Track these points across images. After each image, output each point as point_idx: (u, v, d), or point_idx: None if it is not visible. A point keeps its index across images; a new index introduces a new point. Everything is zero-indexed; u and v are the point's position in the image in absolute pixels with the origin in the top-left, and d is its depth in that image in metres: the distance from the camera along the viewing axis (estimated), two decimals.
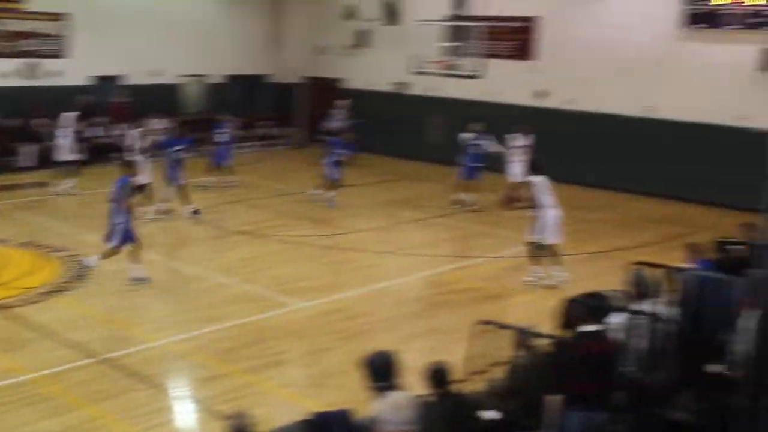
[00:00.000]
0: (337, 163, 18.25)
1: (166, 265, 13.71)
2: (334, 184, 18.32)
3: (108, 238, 12.40)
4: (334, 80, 27.54)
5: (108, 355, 9.73)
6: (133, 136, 18.23)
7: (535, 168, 13.67)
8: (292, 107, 28.31)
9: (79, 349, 9.89)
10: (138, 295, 12.14)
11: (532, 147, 18.48)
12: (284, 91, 28.51)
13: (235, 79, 27.51)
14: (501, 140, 18.73)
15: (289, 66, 28.42)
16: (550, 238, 12.97)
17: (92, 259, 12.59)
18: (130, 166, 13.40)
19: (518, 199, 13.55)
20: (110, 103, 24.11)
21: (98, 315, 11.24)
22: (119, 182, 12.46)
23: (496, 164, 18.81)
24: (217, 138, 20.13)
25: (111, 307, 11.57)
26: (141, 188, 15.72)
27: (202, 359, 9.88)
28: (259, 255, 14.46)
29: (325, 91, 27.84)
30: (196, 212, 16.80)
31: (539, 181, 13.08)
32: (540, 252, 13.12)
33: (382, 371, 5.51)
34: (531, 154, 18.13)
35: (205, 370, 9.63)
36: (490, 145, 18.54)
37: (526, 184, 13.52)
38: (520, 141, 18.64)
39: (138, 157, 16.26)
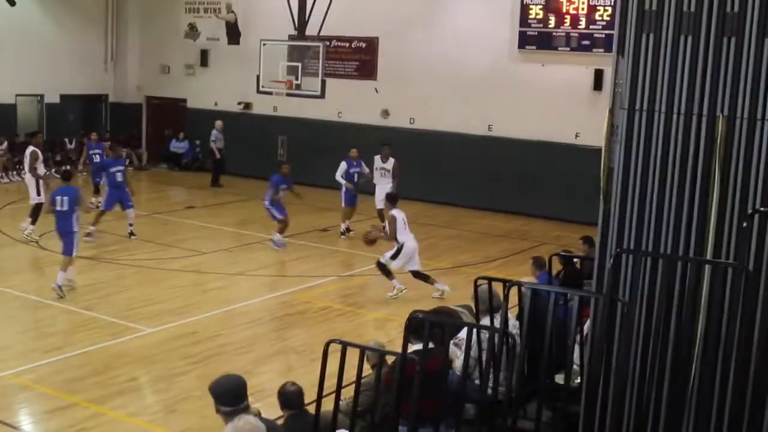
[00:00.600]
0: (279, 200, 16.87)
1: (5, 293, 13.13)
2: (283, 224, 16.88)
3: (67, 249, 13.15)
4: (177, 100, 27.16)
5: None
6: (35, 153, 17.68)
7: (392, 200, 14.14)
8: (133, 128, 27.70)
9: None
10: None
11: (395, 170, 18.23)
12: (125, 111, 27.87)
13: (73, 98, 26.69)
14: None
15: (129, 85, 27.83)
16: (411, 266, 13.56)
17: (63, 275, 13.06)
18: (69, 177, 14.32)
19: (374, 240, 14.01)
20: None
21: None
22: (72, 192, 13.28)
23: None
24: (94, 158, 19.62)
25: None
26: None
27: (46, 391, 9.52)
28: (103, 280, 14.06)
29: (168, 111, 27.46)
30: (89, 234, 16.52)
31: (398, 214, 13.51)
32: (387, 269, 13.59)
33: (229, 395, 5.47)
34: (393, 180, 18.09)
35: (49, 401, 9.28)
36: (363, 169, 18.34)
37: (388, 216, 13.77)
38: (379, 164, 18.36)
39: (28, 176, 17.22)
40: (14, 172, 23.75)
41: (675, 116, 5.73)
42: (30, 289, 13.34)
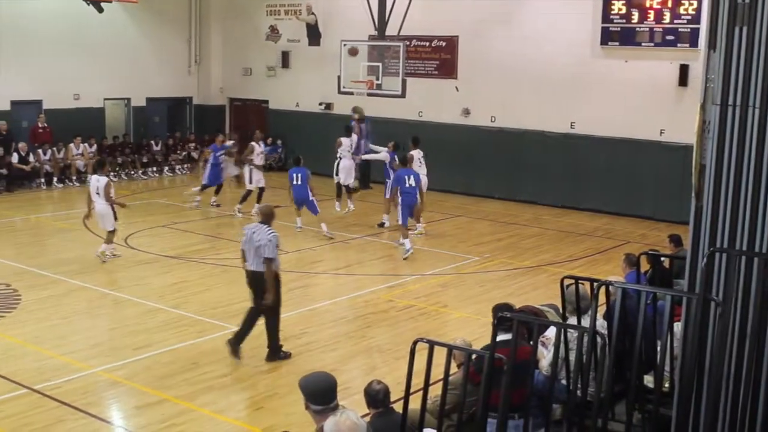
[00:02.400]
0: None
1: (95, 291, 13.50)
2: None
3: (313, 209, 17.57)
4: (259, 101, 27.54)
5: (39, 386, 9.54)
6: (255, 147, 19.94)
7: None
8: (216, 129, 28.14)
9: (7, 381, 9.67)
10: (67, 324, 11.93)
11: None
12: (209, 112, 28.37)
13: (158, 101, 27.31)
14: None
15: (213, 88, 28.33)
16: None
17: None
18: (299, 162, 18.16)
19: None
20: (29, 128, 23.75)
21: (26, 345, 10.99)
22: (304, 171, 17.56)
23: None
24: (219, 159, 20.36)
25: (39, 336, 11.32)
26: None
27: (136, 386, 9.74)
28: (190, 279, 14.32)
29: (251, 112, 27.86)
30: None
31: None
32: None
33: (320, 393, 5.47)
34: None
35: (140, 397, 9.49)
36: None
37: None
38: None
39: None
40: None
41: None
42: (118, 287, 13.67)
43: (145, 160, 25.60)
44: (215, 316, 12.19)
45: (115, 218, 15.19)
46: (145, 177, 25.18)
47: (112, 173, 24.56)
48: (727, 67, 5.68)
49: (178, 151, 26.54)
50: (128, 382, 9.86)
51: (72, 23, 23.74)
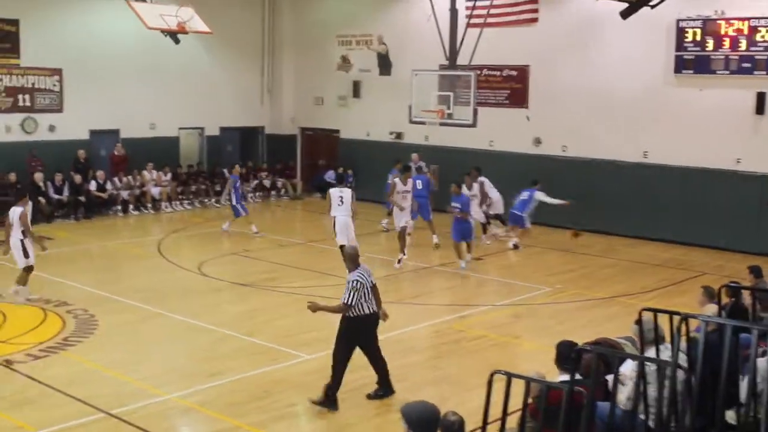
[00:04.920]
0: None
1: (169, 318, 13.69)
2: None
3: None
4: (330, 131, 27.77)
5: (114, 411, 9.66)
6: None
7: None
8: (288, 158, 28.47)
9: (85, 405, 9.81)
10: (142, 349, 12.11)
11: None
12: (281, 142, 28.70)
13: (231, 131, 27.76)
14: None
15: (284, 117, 28.66)
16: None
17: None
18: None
19: None
20: (107, 156, 24.34)
21: (103, 369, 11.18)
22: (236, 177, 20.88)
23: None
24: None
25: (116, 362, 11.51)
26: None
27: (210, 413, 9.80)
28: (262, 307, 14.44)
29: (321, 141, 28.12)
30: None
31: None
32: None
33: (425, 424, 5.39)
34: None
35: (213, 424, 9.55)
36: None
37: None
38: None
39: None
40: (177, 202, 24.78)
41: None
42: (192, 314, 13.80)
43: (218, 188, 25.97)
44: (287, 345, 12.23)
45: (26, 255, 14.26)
46: (218, 205, 25.53)
47: (176, 202, 24.96)
48: None
49: (251, 180, 26.88)
50: (202, 408, 9.95)
51: (149, 54, 24.29)
